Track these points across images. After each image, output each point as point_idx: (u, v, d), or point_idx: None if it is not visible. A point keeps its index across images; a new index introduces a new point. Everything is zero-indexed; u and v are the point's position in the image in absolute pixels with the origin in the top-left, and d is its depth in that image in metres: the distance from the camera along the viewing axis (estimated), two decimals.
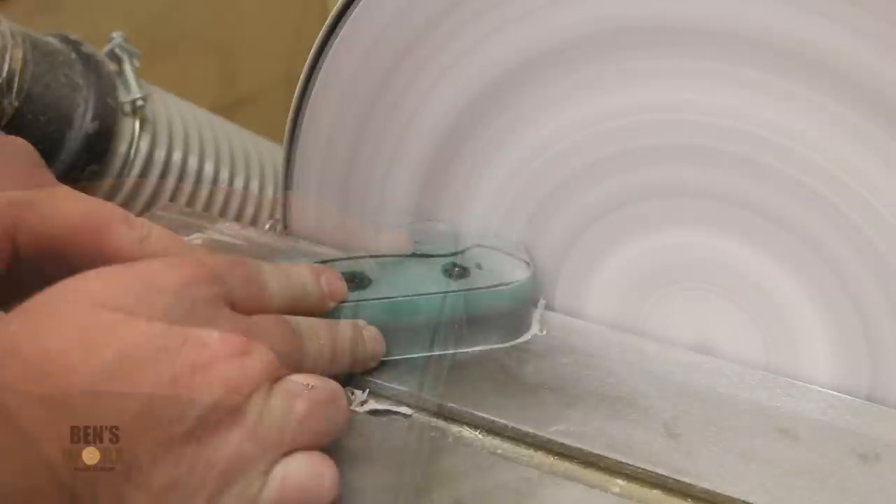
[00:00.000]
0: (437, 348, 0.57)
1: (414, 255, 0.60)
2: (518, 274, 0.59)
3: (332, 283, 0.54)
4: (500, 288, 0.58)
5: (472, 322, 0.57)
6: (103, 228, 0.50)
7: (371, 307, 0.55)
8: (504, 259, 0.60)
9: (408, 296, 0.56)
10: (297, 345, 0.48)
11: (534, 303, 0.61)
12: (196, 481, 0.42)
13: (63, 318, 0.42)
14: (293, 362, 0.47)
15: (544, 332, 0.60)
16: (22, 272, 0.50)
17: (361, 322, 0.55)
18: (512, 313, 0.59)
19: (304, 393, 0.46)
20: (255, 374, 0.44)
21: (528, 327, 0.60)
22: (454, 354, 0.57)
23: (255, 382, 0.44)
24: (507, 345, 0.58)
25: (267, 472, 0.44)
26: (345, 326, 0.53)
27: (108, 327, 0.42)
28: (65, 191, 0.51)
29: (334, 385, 0.47)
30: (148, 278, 0.45)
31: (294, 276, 0.52)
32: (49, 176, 0.52)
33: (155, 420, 0.41)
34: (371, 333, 0.55)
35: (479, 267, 0.59)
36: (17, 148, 0.54)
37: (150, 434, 0.41)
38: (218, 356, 0.43)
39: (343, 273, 0.56)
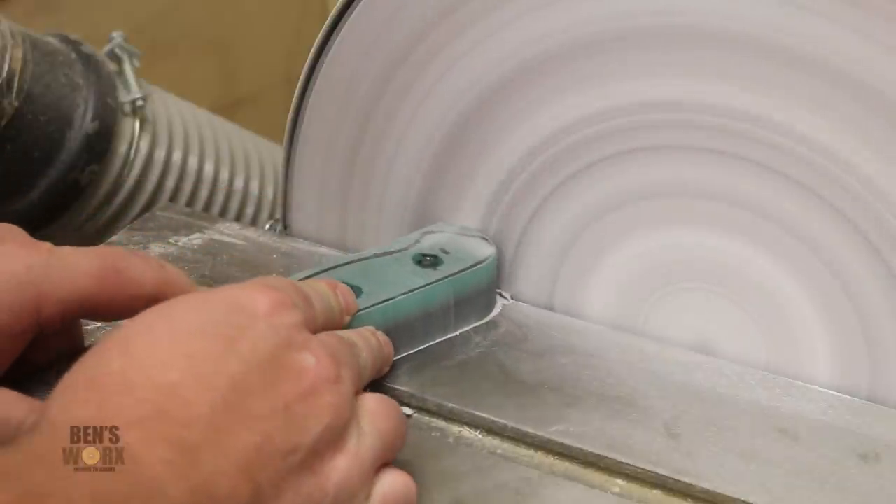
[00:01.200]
0: (431, 339, 0.58)
1: (375, 255, 0.60)
2: (485, 249, 0.60)
3: (346, 296, 0.54)
4: (480, 266, 0.59)
5: (459, 305, 0.59)
6: (122, 267, 0.49)
7: (376, 312, 0.55)
8: (462, 239, 0.61)
9: (404, 294, 0.56)
10: (355, 359, 0.48)
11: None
12: None
13: (166, 348, 0.41)
14: (358, 378, 0.47)
15: (510, 300, 0.62)
16: (38, 343, 0.49)
17: (371, 328, 0.54)
18: (489, 288, 0.60)
19: (382, 410, 0.46)
20: (349, 397, 0.44)
21: (495, 302, 0.62)
22: (458, 351, 0.58)
23: (350, 405, 0.44)
24: (484, 321, 0.60)
25: (369, 495, 0.44)
26: (369, 335, 0.53)
27: (215, 355, 0.41)
28: (68, 248, 0.49)
29: (393, 400, 0.48)
30: (237, 304, 0.43)
31: (322, 292, 0.51)
32: (45, 244, 0.50)
33: (275, 450, 0.40)
34: (383, 338, 0.55)
35: (445, 252, 0.60)
36: (10, 227, 0.51)
37: (272, 465, 0.40)
38: (319, 382, 0.43)
39: None
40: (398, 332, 0.56)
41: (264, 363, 0.42)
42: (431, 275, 0.58)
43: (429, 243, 0.61)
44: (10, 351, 0.48)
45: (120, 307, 0.48)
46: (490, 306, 0.61)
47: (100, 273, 0.48)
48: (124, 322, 0.44)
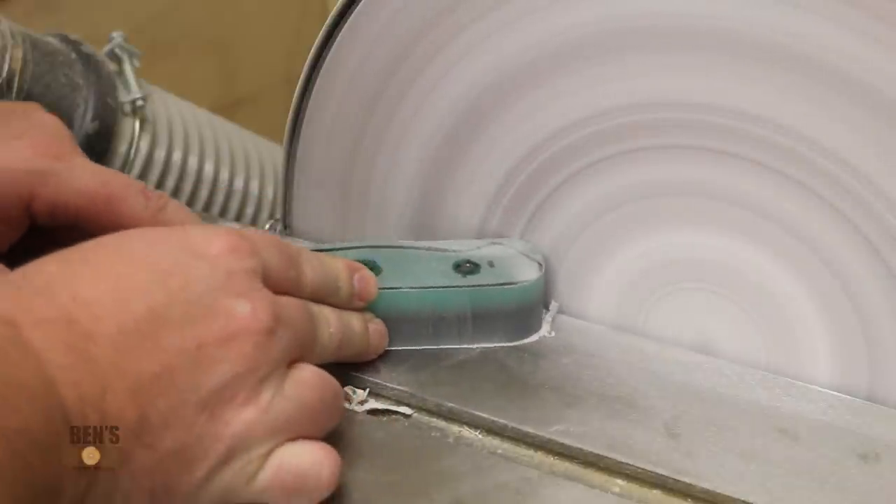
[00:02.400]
0: (442, 343, 0.58)
1: (423, 248, 0.60)
2: (528, 274, 0.59)
3: (364, 282, 0.54)
4: (507, 287, 0.58)
5: (479, 319, 0.58)
6: (119, 198, 0.51)
7: (381, 296, 0.55)
8: (517, 259, 0.60)
9: (413, 287, 0.56)
10: (312, 331, 0.48)
11: (545, 304, 0.61)
12: (201, 451, 0.42)
13: (100, 268, 0.43)
14: (305, 348, 0.47)
15: (553, 335, 0.60)
16: (36, 240, 0.51)
17: (369, 315, 0.55)
18: (519, 313, 0.58)
19: (314, 382, 0.46)
20: (276, 355, 0.44)
21: (537, 328, 0.60)
22: (458, 351, 0.57)
23: (274, 364, 0.44)
24: (514, 344, 0.58)
25: (268, 454, 0.44)
26: (353, 317, 0.53)
27: (143, 284, 0.42)
28: (82, 162, 0.53)
29: (336, 382, 0.48)
30: (188, 244, 0.45)
31: (329, 267, 0.52)
32: (70, 146, 0.53)
33: (172, 384, 0.41)
34: (376, 327, 0.55)
35: (490, 265, 0.59)
36: (42, 118, 0.55)
37: (165, 397, 0.41)
38: (245, 330, 0.43)
39: (355, 260, 0.56)
40: (402, 323, 0.56)
41: (191, 300, 0.43)
42: (454, 279, 0.57)
43: (485, 252, 0.60)
44: (4, 235, 0.52)
45: (107, 233, 0.48)
46: (526, 331, 0.59)
47: (92, 197, 0.51)
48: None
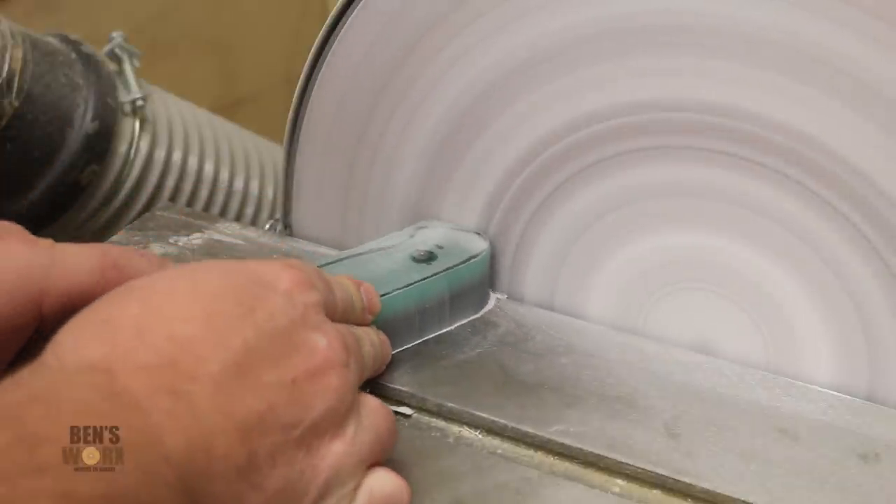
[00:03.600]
0: (426, 334, 0.58)
1: (369, 251, 0.60)
2: (478, 244, 0.61)
3: (370, 295, 0.54)
4: (474, 260, 0.59)
5: (455, 299, 0.59)
6: (123, 264, 0.49)
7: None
8: (454, 234, 0.62)
9: (398, 288, 0.57)
10: (362, 354, 0.48)
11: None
12: (302, 488, 0.42)
13: (187, 304, 0.41)
14: (364, 373, 0.48)
15: (505, 297, 0.62)
16: (38, 338, 0.48)
17: (374, 327, 0.54)
18: (482, 283, 0.61)
19: (380, 410, 0.46)
20: (354, 385, 0.44)
21: (488, 296, 0.62)
22: (458, 351, 0.58)
23: (353, 394, 0.44)
24: (478, 315, 0.60)
25: (358, 486, 0.44)
26: (371, 332, 0.53)
27: (233, 318, 0.41)
28: (69, 245, 0.49)
29: (389, 408, 0.48)
30: (258, 277, 0.44)
31: (346, 286, 0.52)
32: (46, 240, 0.50)
33: (276, 422, 0.40)
34: (383, 337, 0.55)
35: (439, 247, 0.60)
36: (10, 225, 0.51)
37: (271, 435, 0.40)
38: (328, 363, 0.43)
39: None
40: (394, 327, 0.56)
41: (278, 335, 0.42)
42: (426, 270, 0.58)
43: (422, 238, 0.61)
44: (13, 343, 0.48)
45: None
46: (484, 300, 0.62)
47: (101, 269, 0.48)
48: (142, 277, 0.44)
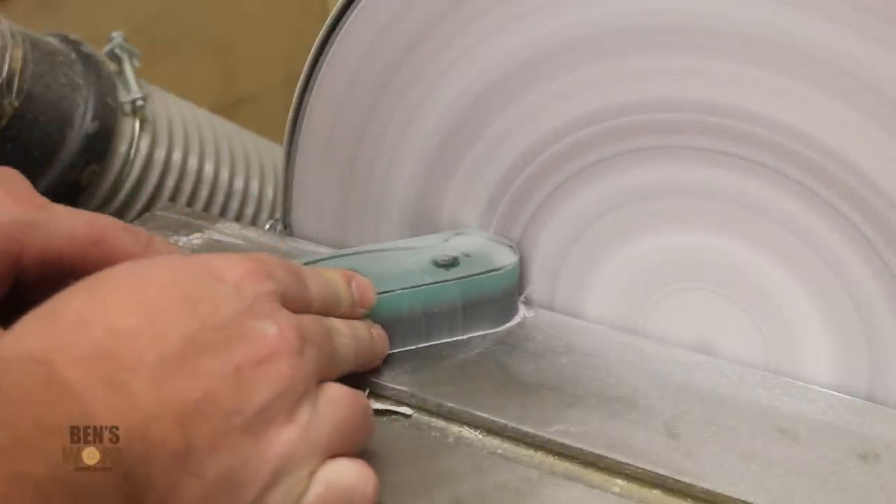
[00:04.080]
0: (434, 339, 0.58)
1: (396, 248, 0.60)
2: (506, 257, 0.60)
3: (362, 289, 0.54)
4: (493, 273, 0.59)
5: (469, 309, 0.58)
6: (108, 238, 0.51)
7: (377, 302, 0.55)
8: (488, 245, 0.61)
9: (405, 288, 0.57)
10: (331, 345, 0.49)
11: (521, 286, 0.62)
12: (247, 475, 0.42)
13: (129, 297, 0.42)
14: (330, 363, 0.48)
15: (532, 315, 0.61)
16: (21, 293, 0.50)
17: (369, 321, 0.55)
18: (504, 297, 0.60)
19: (345, 400, 0.46)
20: (308, 373, 0.45)
21: (516, 312, 0.61)
22: (458, 351, 0.58)
23: (307, 382, 0.44)
24: (498, 329, 0.59)
25: (313, 474, 0.44)
26: (360, 326, 0.53)
27: (175, 312, 0.42)
28: (63, 208, 0.51)
29: (364, 397, 0.48)
30: (209, 269, 0.45)
31: (329, 279, 0.52)
32: (42, 198, 0.52)
33: (216, 409, 0.41)
34: (379, 332, 0.55)
35: (466, 255, 0.60)
36: (8, 173, 0.53)
37: (210, 422, 0.41)
38: (277, 351, 0.43)
39: None
40: (396, 325, 0.56)
41: (223, 326, 0.43)
42: (441, 274, 0.58)
43: (454, 244, 0.61)
44: None
45: None
46: (507, 315, 0.60)
47: (84, 239, 0.50)
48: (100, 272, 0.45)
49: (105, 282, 0.43)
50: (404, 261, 0.59)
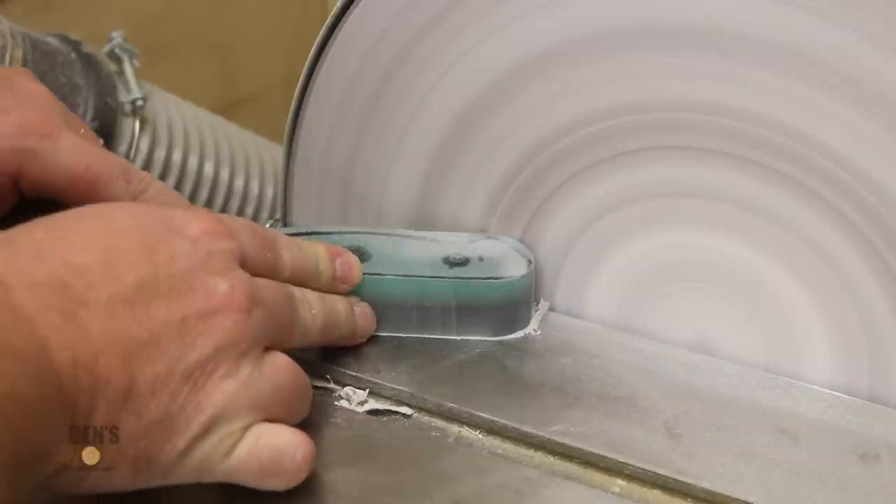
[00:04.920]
0: (426, 332, 0.58)
1: (418, 237, 0.61)
2: (515, 270, 0.59)
3: (347, 265, 0.55)
4: (491, 281, 0.58)
5: (463, 311, 0.58)
6: (101, 182, 0.53)
7: (365, 281, 0.56)
8: (509, 254, 0.61)
9: (397, 275, 0.57)
10: (290, 312, 0.50)
11: (535, 301, 0.61)
12: (183, 421, 0.43)
13: (89, 237, 0.44)
14: (285, 329, 0.49)
15: (538, 332, 0.60)
16: (25, 212, 0.51)
17: (355, 298, 0.56)
18: (503, 308, 0.59)
19: (289, 369, 0.48)
20: (254, 333, 0.46)
21: (523, 325, 0.60)
22: (458, 351, 0.58)
23: (252, 341, 0.46)
24: (499, 339, 0.59)
25: (246, 430, 0.45)
26: (337, 301, 0.54)
27: (132, 256, 0.43)
28: (67, 141, 0.54)
29: (306, 376, 0.49)
30: (170, 222, 0.46)
31: (308, 251, 0.53)
32: (57, 121, 0.54)
33: (160, 352, 0.42)
34: (363, 310, 0.56)
35: (480, 259, 0.60)
36: (29, 89, 0.56)
37: (153, 364, 0.42)
38: (224, 307, 0.45)
39: (346, 246, 0.57)
40: (387, 310, 0.57)
41: (175, 276, 0.44)
42: (441, 271, 0.58)
43: (476, 246, 0.61)
44: None
45: None
46: (508, 326, 0.59)
47: (76, 178, 0.53)
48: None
49: (69, 219, 0.45)
50: (417, 250, 0.59)
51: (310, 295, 0.52)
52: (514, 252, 0.61)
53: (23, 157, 0.52)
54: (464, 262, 0.59)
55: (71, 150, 0.53)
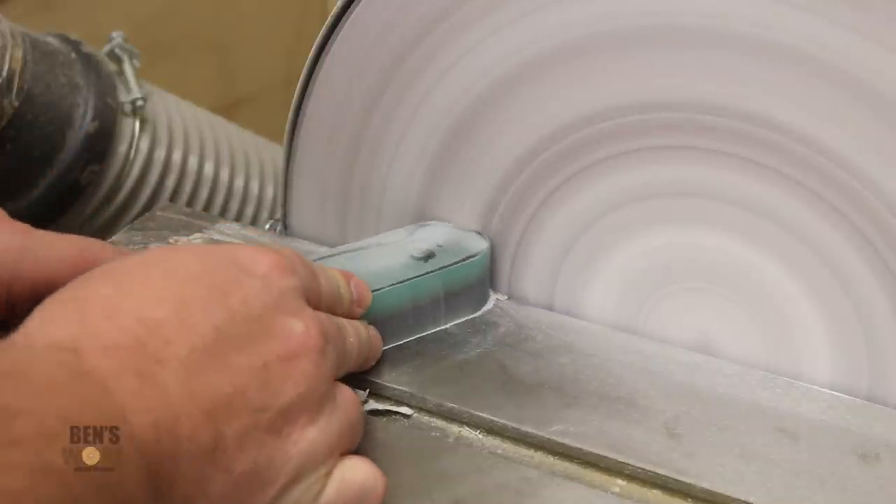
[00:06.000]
0: (419, 331, 0.59)
1: (368, 247, 0.60)
2: (478, 243, 0.61)
3: (360, 288, 0.54)
4: (471, 260, 0.60)
5: (450, 298, 0.59)
6: (99, 259, 0.49)
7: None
8: (455, 233, 0.62)
9: (393, 284, 0.57)
10: (344, 344, 0.49)
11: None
12: (272, 473, 0.42)
13: (159, 287, 0.42)
14: (342, 362, 0.48)
15: (506, 297, 0.62)
16: (12, 320, 0.48)
17: (365, 322, 0.55)
18: (480, 283, 0.61)
19: (354, 400, 0.47)
20: (329, 373, 0.45)
21: (488, 296, 0.62)
22: (458, 351, 0.58)
23: (328, 381, 0.45)
24: (476, 314, 0.60)
25: (330, 472, 0.44)
26: (360, 326, 0.53)
27: (205, 303, 0.41)
28: (47, 233, 0.50)
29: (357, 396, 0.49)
30: (236, 261, 0.44)
31: (333, 277, 0.52)
32: (22, 223, 0.50)
33: (245, 405, 0.41)
34: (373, 332, 0.55)
35: (439, 246, 0.60)
36: None
37: (238, 418, 0.40)
38: (303, 349, 0.43)
39: None
40: (386, 322, 0.56)
41: (252, 319, 0.42)
42: (422, 267, 0.58)
43: (423, 236, 0.61)
44: None
45: None
46: (482, 301, 0.62)
47: (74, 261, 0.49)
48: (118, 258, 0.45)
49: (133, 270, 0.43)
50: (381, 258, 0.59)
51: (345, 322, 0.50)
52: (458, 231, 0.62)
53: (15, 256, 0.48)
54: (431, 254, 0.60)
55: (58, 239, 0.50)
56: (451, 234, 0.62)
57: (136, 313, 0.40)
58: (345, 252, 0.60)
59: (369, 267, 0.58)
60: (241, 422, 0.41)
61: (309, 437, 0.43)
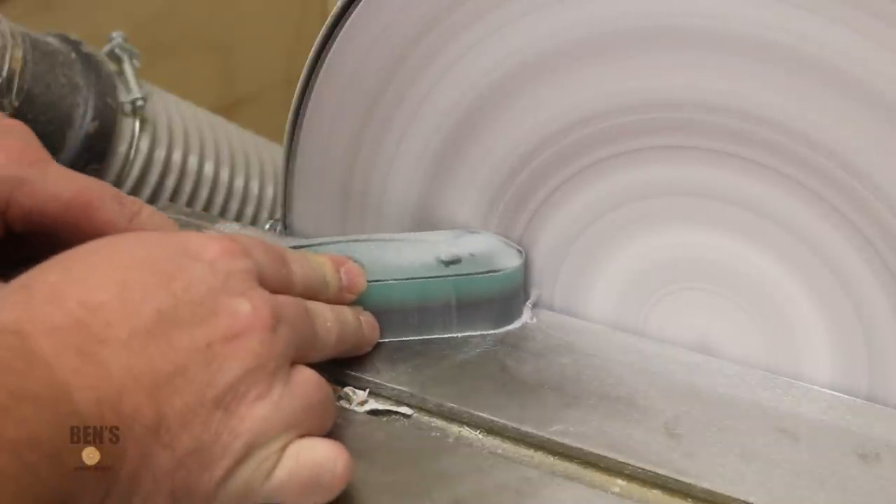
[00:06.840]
0: (427, 332, 0.58)
1: (403, 240, 0.61)
2: (509, 261, 0.60)
3: (351, 275, 0.55)
4: (491, 274, 0.59)
5: (463, 307, 0.58)
6: (94, 205, 0.52)
7: (368, 289, 0.56)
8: (497, 247, 0.61)
9: (398, 279, 0.57)
10: (310, 326, 0.49)
11: (526, 291, 0.62)
12: (219, 449, 0.42)
13: (103, 273, 0.43)
14: (306, 344, 0.48)
15: (534, 321, 0.60)
16: (11, 246, 0.51)
17: (358, 308, 0.55)
18: (502, 300, 0.59)
19: (316, 381, 0.47)
20: (280, 351, 0.45)
21: (518, 315, 0.60)
22: (458, 351, 0.58)
23: (280, 359, 0.45)
24: (497, 331, 0.59)
25: (283, 450, 0.45)
26: (346, 311, 0.53)
27: (149, 288, 0.43)
28: (56, 169, 0.52)
29: (329, 386, 0.49)
30: (184, 247, 0.45)
31: (315, 263, 0.53)
32: (40, 151, 0.53)
33: (187, 382, 0.42)
34: (367, 319, 0.56)
35: (471, 255, 0.60)
36: (7, 122, 0.55)
37: (181, 395, 0.41)
38: (249, 328, 0.44)
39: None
40: (388, 315, 0.57)
41: (196, 302, 0.43)
42: (438, 270, 0.58)
43: (462, 242, 0.61)
44: None
45: (84, 238, 0.48)
46: (507, 318, 0.60)
47: (69, 204, 0.51)
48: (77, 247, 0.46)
49: (81, 257, 0.44)
50: (407, 253, 0.59)
51: (322, 307, 0.51)
52: (501, 244, 0.61)
53: (11, 184, 0.51)
54: (457, 260, 0.59)
55: (60, 175, 0.52)
56: (492, 246, 0.61)
57: (78, 297, 0.41)
58: (377, 240, 0.60)
59: (387, 258, 0.58)
60: (184, 400, 0.41)
61: (258, 413, 0.43)
